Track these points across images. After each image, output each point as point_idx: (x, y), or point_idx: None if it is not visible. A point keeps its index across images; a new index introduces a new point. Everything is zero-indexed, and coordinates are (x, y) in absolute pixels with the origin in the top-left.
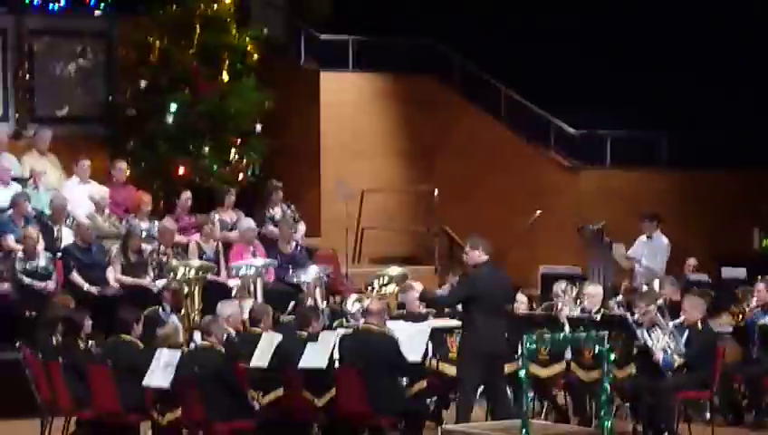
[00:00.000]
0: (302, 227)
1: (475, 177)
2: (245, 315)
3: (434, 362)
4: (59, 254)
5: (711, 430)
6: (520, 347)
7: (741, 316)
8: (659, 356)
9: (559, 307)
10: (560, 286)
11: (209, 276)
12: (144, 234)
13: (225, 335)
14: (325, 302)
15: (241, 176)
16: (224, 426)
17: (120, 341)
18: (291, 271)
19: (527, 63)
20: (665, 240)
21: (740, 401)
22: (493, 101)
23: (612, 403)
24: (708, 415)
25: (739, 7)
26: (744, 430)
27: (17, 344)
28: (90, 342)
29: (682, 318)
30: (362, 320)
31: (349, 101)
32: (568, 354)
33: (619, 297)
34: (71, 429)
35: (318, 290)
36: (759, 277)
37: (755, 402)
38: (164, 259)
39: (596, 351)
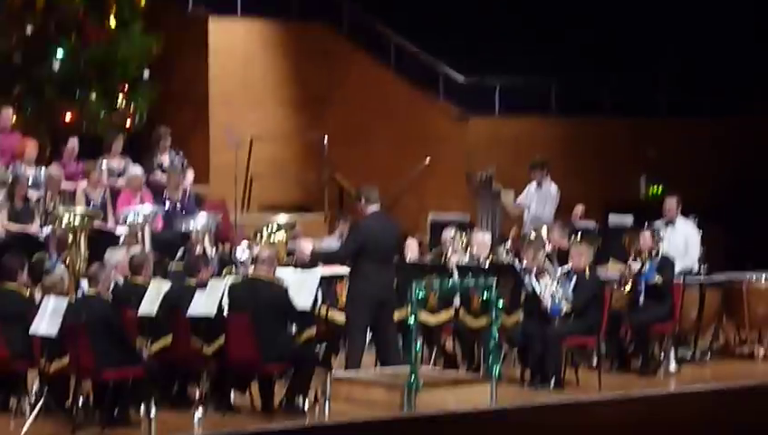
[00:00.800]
0: (190, 175)
1: (365, 125)
2: None
3: (323, 309)
4: None
5: (597, 376)
6: (409, 294)
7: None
8: (547, 303)
9: (448, 254)
10: (449, 233)
11: (96, 223)
12: (31, 181)
13: (113, 283)
14: (214, 249)
15: (128, 122)
16: (112, 373)
17: (5, 289)
18: (179, 218)
19: (417, 11)
20: (554, 188)
21: (626, 347)
22: (382, 49)
23: (500, 350)
24: (595, 361)
25: None
26: (630, 376)
27: None
28: None
29: (569, 265)
30: (252, 268)
31: (238, 48)
32: (456, 301)
33: (508, 245)
34: None
35: (207, 238)
36: (645, 225)
37: (641, 349)
38: (51, 206)
39: (484, 298)
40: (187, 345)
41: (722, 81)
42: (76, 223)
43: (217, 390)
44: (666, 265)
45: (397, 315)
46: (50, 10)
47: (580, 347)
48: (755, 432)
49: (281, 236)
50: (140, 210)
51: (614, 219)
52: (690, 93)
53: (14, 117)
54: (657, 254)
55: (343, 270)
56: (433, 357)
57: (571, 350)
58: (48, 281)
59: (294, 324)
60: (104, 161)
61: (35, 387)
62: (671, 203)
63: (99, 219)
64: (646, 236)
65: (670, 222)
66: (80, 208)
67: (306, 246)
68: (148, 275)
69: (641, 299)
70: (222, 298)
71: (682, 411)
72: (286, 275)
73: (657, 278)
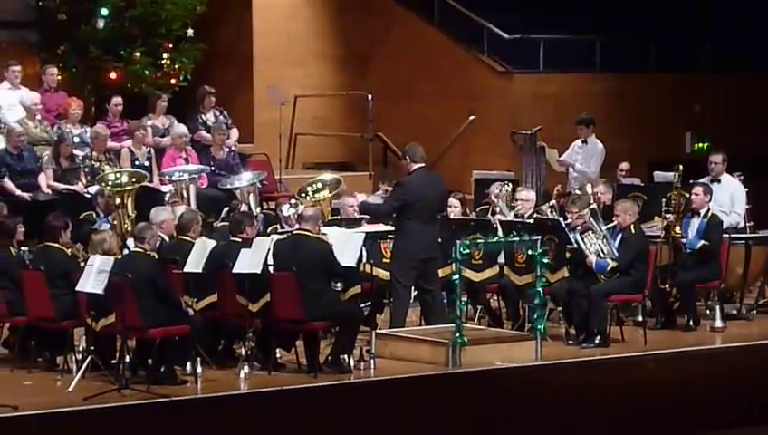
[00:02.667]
0: (234, 133)
1: (409, 82)
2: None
3: (368, 267)
4: None
5: (643, 333)
6: (453, 251)
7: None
8: (592, 260)
9: (496, 209)
10: (495, 189)
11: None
12: (76, 140)
13: (159, 241)
14: (259, 208)
15: (173, 81)
16: (157, 331)
17: (50, 248)
18: (224, 177)
19: None
20: (599, 145)
21: (671, 303)
22: (426, 5)
23: (545, 307)
24: (640, 318)
25: None
26: (675, 333)
27: None
28: (22, 248)
29: (615, 222)
30: (296, 226)
31: (281, 5)
32: (501, 259)
33: (552, 202)
34: (4, 335)
35: (251, 196)
36: (691, 182)
37: (687, 306)
38: (96, 165)
39: (529, 255)
40: (232, 303)
41: (767, 34)
42: (123, 180)
43: (263, 347)
44: (713, 224)
45: (441, 273)
46: None
47: (625, 303)
48: None
49: (325, 193)
50: (185, 169)
51: (659, 176)
52: (735, 48)
53: (59, 76)
54: (708, 212)
55: (388, 228)
56: (477, 315)
57: (616, 307)
58: (95, 240)
59: (339, 282)
60: (149, 120)
61: (82, 345)
62: (717, 159)
63: (145, 180)
64: (698, 191)
65: (716, 178)
66: (127, 169)
67: (357, 196)
68: (196, 233)
69: (686, 256)
70: (267, 256)
71: (727, 368)
72: (331, 232)
73: (701, 244)
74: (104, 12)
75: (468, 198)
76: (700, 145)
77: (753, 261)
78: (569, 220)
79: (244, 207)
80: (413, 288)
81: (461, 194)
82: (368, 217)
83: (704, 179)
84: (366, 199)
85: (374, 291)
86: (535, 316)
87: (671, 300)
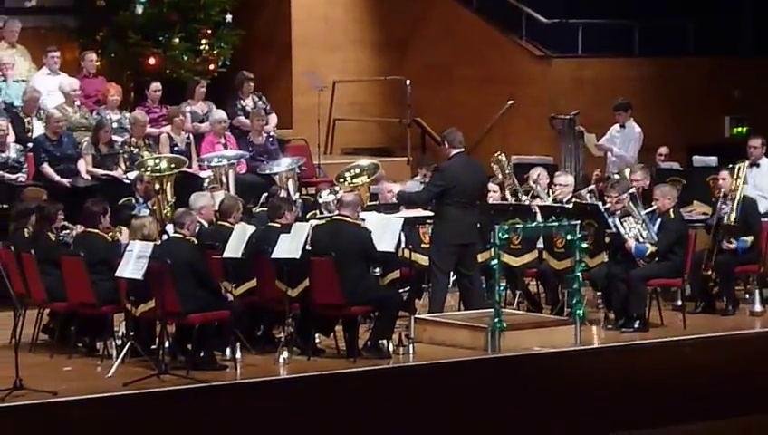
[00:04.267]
0: (273, 118)
1: (447, 67)
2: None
3: (406, 252)
4: (29, 145)
5: (682, 317)
6: (492, 236)
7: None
8: (631, 244)
9: (536, 192)
10: (535, 173)
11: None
12: (115, 125)
13: (198, 227)
14: (298, 193)
15: (212, 67)
16: (197, 317)
17: (89, 234)
18: (263, 162)
19: None
20: (637, 129)
21: (711, 288)
22: None
23: (584, 292)
24: (680, 302)
25: None
26: (714, 317)
27: None
28: (61, 234)
29: (654, 206)
30: (336, 211)
31: None
32: (540, 243)
33: (591, 186)
34: (44, 321)
35: (290, 181)
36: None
37: (726, 290)
38: (135, 151)
39: (568, 239)
40: (271, 288)
41: None
42: (163, 166)
43: (302, 333)
44: (749, 210)
45: (480, 258)
46: None
47: (664, 288)
48: None
49: (363, 179)
50: (224, 154)
51: (698, 160)
52: None
53: (98, 62)
54: (736, 196)
55: (427, 213)
56: (516, 300)
57: (656, 291)
58: (134, 225)
59: (378, 267)
60: (188, 106)
61: (122, 331)
62: (756, 143)
63: (184, 165)
64: (724, 176)
65: (755, 163)
66: (167, 155)
67: (393, 187)
68: (237, 219)
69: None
70: (306, 241)
71: (766, 351)
72: (370, 218)
73: (748, 241)
74: None
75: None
76: (739, 129)
77: None
78: (608, 205)
79: (282, 193)
80: (452, 273)
81: (500, 178)
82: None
83: (743, 163)
84: (403, 189)
85: (413, 276)
86: (574, 301)
87: (710, 284)
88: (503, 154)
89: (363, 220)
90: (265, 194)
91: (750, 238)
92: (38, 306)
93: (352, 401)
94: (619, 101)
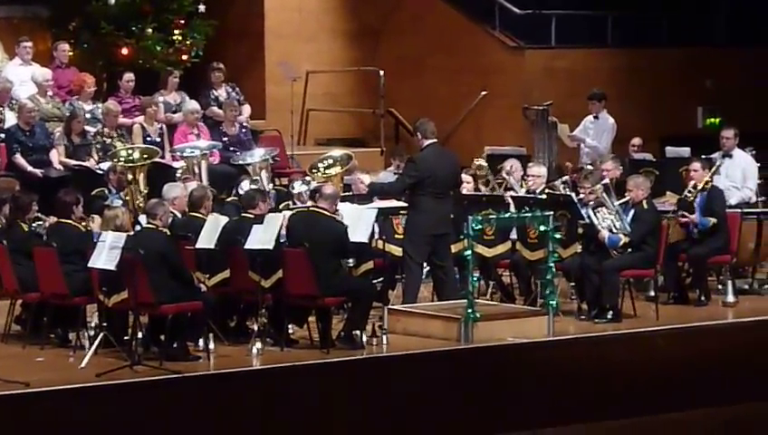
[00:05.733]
0: (246, 109)
1: (421, 57)
2: None
3: (380, 243)
4: (2, 136)
5: (655, 308)
6: (465, 227)
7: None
8: (605, 235)
9: (509, 183)
10: (508, 165)
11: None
12: (88, 116)
13: (171, 218)
14: (271, 184)
15: (185, 57)
16: (170, 308)
17: (62, 224)
18: (236, 153)
19: None
20: (611, 120)
21: (684, 279)
22: None
23: (557, 282)
24: (652, 293)
25: None
26: (687, 308)
27: None
28: (34, 224)
29: (627, 197)
30: (309, 202)
31: None
32: (513, 234)
33: (565, 177)
34: (16, 311)
35: (263, 172)
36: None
37: (698, 281)
38: (108, 141)
39: (541, 230)
40: (244, 279)
41: None
42: (135, 157)
43: (275, 323)
44: (714, 197)
45: (453, 249)
46: None
47: (637, 279)
48: None
49: (336, 169)
50: (197, 145)
51: (671, 151)
52: (748, 21)
53: (71, 52)
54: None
55: (400, 204)
56: (490, 290)
57: (629, 282)
58: (107, 216)
59: (351, 258)
60: (160, 96)
61: (94, 321)
62: (728, 134)
63: (157, 156)
64: (696, 168)
65: (727, 154)
66: (139, 145)
67: (364, 178)
68: (207, 209)
69: (696, 231)
70: (279, 232)
71: (740, 342)
72: (343, 208)
73: (711, 220)
74: None
75: (480, 173)
76: (712, 120)
77: (765, 236)
78: (581, 196)
79: (248, 183)
80: (425, 264)
81: (473, 169)
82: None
83: (715, 154)
84: (374, 180)
85: (386, 267)
86: (547, 292)
87: (683, 275)
88: (481, 160)
89: (338, 212)
90: (239, 183)
91: (713, 220)
92: (10, 297)
93: (326, 391)
94: (593, 91)
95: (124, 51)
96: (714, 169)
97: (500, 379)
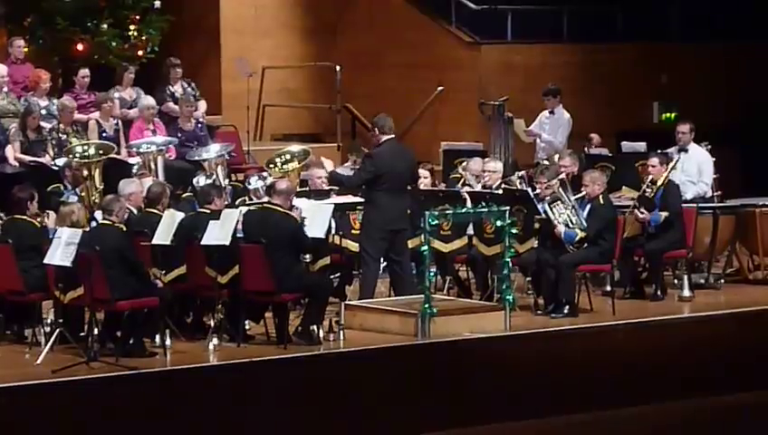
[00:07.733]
0: (202, 105)
1: (377, 53)
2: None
3: (337, 238)
4: None
5: (611, 302)
6: (422, 222)
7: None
8: (561, 230)
9: (465, 181)
10: (467, 162)
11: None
12: (43, 112)
13: (127, 214)
14: (227, 179)
15: (140, 53)
16: (126, 304)
17: (17, 221)
18: (192, 149)
19: None
20: (566, 115)
21: (640, 273)
22: None
23: (513, 277)
24: (609, 288)
25: None
26: (643, 303)
27: None
28: None
29: (583, 192)
30: (265, 197)
31: None
32: (470, 229)
33: (521, 172)
34: None
35: (220, 168)
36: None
37: (655, 276)
38: (63, 137)
39: (497, 225)
40: (201, 275)
41: (735, 4)
42: (91, 152)
43: (232, 319)
44: (670, 192)
45: (410, 244)
46: None
47: (594, 273)
48: None
49: (293, 165)
50: (153, 141)
51: (627, 146)
52: (703, 17)
53: (26, 48)
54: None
55: (357, 199)
56: (446, 285)
57: (585, 277)
58: (63, 212)
59: (308, 254)
60: (116, 92)
61: (50, 318)
62: (684, 129)
63: (112, 152)
64: (654, 163)
65: (683, 148)
66: (95, 141)
67: (327, 164)
68: (164, 206)
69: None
70: (236, 228)
71: (696, 337)
72: (300, 204)
73: (662, 215)
74: None
75: (437, 169)
76: (668, 115)
77: (720, 230)
78: (537, 191)
79: (203, 180)
80: (382, 259)
81: (430, 165)
82: (337, 188)
83: (671, 149)
84: (336, 169)
85: (343, 262)
86: (504, 287)
87: (639, 270)
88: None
89: (296, 208)
90: (196, 179)
91: (664, 214)
92: None
93: (282, 387)
94: (549, 87)
95: (79, 46)
96: (672, 164)
97: (457, 374)
